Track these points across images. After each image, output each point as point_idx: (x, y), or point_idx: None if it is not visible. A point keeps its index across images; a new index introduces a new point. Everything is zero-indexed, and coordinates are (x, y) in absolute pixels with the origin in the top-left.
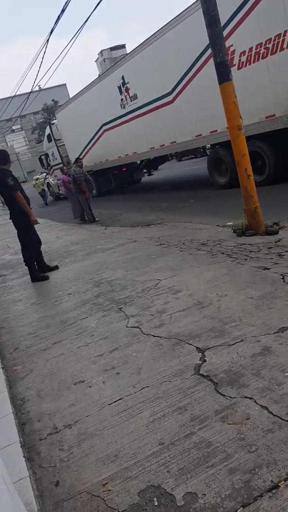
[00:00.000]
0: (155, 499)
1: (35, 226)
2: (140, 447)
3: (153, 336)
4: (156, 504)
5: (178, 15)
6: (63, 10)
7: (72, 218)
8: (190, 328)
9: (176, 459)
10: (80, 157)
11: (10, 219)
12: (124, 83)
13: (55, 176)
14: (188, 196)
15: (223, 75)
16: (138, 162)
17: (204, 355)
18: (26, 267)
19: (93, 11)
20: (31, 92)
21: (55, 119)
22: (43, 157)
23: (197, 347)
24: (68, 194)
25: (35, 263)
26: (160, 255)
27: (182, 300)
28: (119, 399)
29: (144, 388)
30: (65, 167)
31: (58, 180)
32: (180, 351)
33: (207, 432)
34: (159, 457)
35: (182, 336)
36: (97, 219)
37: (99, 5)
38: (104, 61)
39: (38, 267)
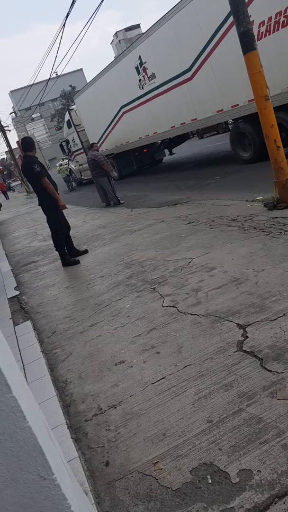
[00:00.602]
0: (208, 476)
1: (63, 211)
2: (188, 425)
3: (191, 314)
4: (210, 481)
5: None
6: None
7: (99, 202)
8: (228, 304)
9: (227, 436)
10: (100, 141)
11: (38, 205)
12: (141, 63)
13: (76, 161)
14: (213, 173)
15: (247, 44)
16: (159, 142)
17: (246, 331)
18: (56, 253)
19: None
20: (49, 79)
21: (74, 104)
22: (63, 143)
23: (237, 324)
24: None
25: (65, 248)
26: (190, 234)
27: (217, 277)
28: (162, 378)
29: (186, 366)
30: None
31: (80, 165)
32: (220, 328)
33: (256, 408)
34: (208, 434)
35: (220, 313)
36: (122, 202)
37: None
38: (120, 43)
39: (68, 251)
